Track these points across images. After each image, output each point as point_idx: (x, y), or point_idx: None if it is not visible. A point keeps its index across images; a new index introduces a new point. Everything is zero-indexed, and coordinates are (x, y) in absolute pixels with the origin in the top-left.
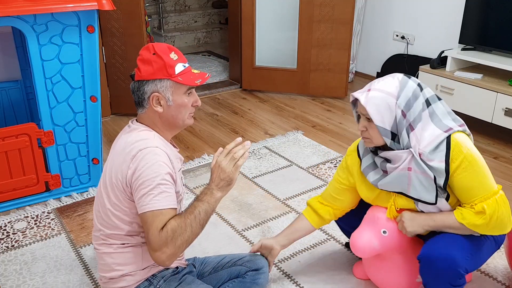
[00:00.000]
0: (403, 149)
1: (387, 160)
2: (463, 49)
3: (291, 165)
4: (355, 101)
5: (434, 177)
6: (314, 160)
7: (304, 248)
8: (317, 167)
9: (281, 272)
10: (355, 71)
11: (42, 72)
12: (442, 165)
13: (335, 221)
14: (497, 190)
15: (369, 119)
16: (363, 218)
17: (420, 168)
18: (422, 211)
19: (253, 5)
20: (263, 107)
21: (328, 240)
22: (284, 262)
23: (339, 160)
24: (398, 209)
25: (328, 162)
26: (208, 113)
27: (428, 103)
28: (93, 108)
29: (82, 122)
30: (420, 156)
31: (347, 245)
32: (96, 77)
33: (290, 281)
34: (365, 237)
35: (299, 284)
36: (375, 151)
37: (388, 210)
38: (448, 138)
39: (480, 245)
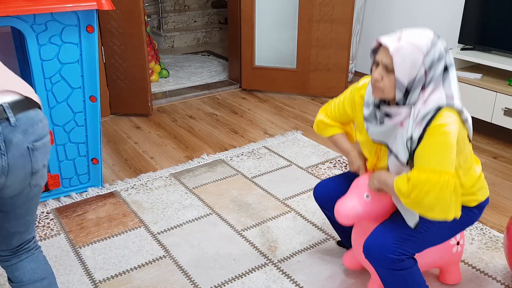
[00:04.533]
0: (407, 105)
1: (387, 115)
2: (462, 49)
3: (291, 165)
4: (377, 48)
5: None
6: (313, 160)
7: (304, 248)
8: (316, 167)
9: (281, 272)
10: (355, 71)
11: (41, 72)
12: (418, 134)
13: (329, 220)
14: (448, 172)
15: (387, 69)
16: (349, 189)
17: (408, 128)
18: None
19: (253, 5)
20: (262, 107)
21: (327, 240)
22: (284, 262)
23: (338, 160)
24: (378, 159)
25: (327, 162)
26: (208, 113)
27: (446, 68)
28: (92, 108)
29: (82, 122)
30: (416, 117)
31: (339, 243)
32: (95, 77)
33: (290, 281)
34: (349, 203)
35: (299, 283)
36: (378, 104)
37: (369, 159)
38: (439, 109)
39: (425, 227)
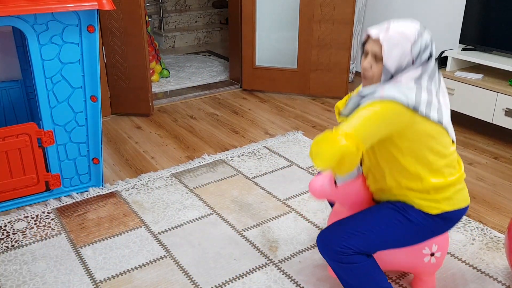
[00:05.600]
0: None
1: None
2: (463, 49)
3: (291, 165)
4: (367, 38)
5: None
6: None
7: (304, 248)
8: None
9: (281, 272)
10: (356, 71)
11: (42, 72)
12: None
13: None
14: (349, 134)
15: (376, 58)
16: None
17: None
18: None
19: (253, 5)
20: (263, 107)
21: None
22: (284, 262)
23: None
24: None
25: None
26: (208, 113)
27: (430, 57)
28: (93, 108)
29: (82, 122)
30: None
31: None
32: (96, 77)
33: (290, 281)
34: (319, 180)
35: (299, 284)
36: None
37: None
38: (386, 99)
39: (376, 224)
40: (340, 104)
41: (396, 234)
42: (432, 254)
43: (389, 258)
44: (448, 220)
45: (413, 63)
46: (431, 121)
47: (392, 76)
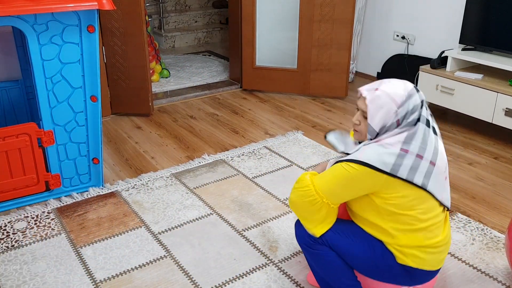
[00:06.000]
0: None
1: None
2: (463, 49)
3: (291, 165)
4: (360, 95)
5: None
6: (314, 160)
7: None
8: None
9: (281, 272)
10: (356, 71)
11: (42, 72)
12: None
13: None
14: (305, 181)
15: (364, 115)
16: None
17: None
18: None
19: (253, 5)
20: (263, 107)
21: None
22: (284, 262)
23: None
24: None
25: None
26: (208, 113)
27: (418, 120)
28: (93, 108)
29: (83, 122)
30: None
31: None
32: (96, 77)
33: (290, 281)
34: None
35: (299, 284)
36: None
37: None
38: (360, 160)
39: (350, 230)
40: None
41: (362, 252)
42: None
43: None
44: (412, 274)
45: (398, 125)
46: (414, 185)
47: (378, 134)
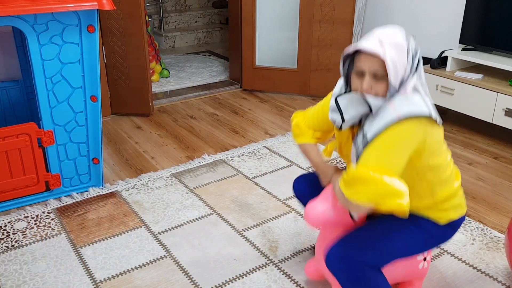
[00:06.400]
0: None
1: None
2: (463, 49)
3: (291, 165)
4: (353, 55)
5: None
6: None
7: (304, 248)
8: None
9: (281, 272)
10: None
11: (42, 72)
12: (369, 136)
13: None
14: (376, 167)
15: (377, 77)
16: (321, 192)
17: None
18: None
19: (254, 5)
20: (263, 107)
21: None
22: (284, 262)
23: (339, 160)
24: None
25: (328, 162)
26: (208, 113)
27: (419, 61)
28: (93, 108)
29: (82, 122)
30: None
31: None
32: (96, 77)
33: (290, 281)
34: (320, 206)
35: (299, 284)
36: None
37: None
38: (398, 119)
39: (389, 235)
40: (305, 117)
41: (408, 243)
42: (425, 259)
43: (388, 270)
44: (453, 227)
45: (410, 72)
46: (439, 125)
47: (396, 91)
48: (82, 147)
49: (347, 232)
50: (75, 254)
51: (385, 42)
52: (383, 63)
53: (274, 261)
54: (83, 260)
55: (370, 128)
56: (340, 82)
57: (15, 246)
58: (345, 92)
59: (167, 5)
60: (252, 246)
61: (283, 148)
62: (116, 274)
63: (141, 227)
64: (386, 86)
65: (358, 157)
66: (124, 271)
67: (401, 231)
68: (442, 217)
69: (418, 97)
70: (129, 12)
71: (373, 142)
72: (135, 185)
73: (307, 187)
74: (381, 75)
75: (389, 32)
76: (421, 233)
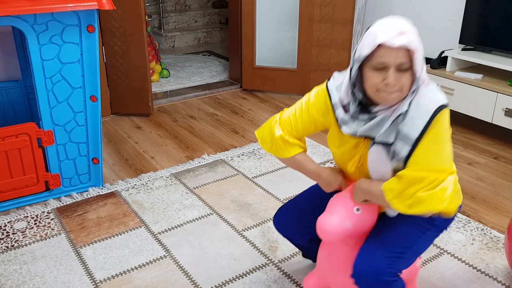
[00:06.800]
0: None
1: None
2: (463, 49)
3: None
4: (375, 50)
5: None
6: (314, 159)
7: None
8: None
9: (281, 272)
10: None
11: (42, 72)
12: (415, 134)
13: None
14: (447, 169)
15: (401, 69)
16: (328, 205)
17: (412, 112)
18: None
19: (253, 5)
20: (263, 107)
21: None
22: (284, 262)
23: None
24: (360, 164)
25: (328, 162)
26: (208, 113)
27: None
28: (93, 108)
29: (82, 122)
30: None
31: (304, 255)
32: (96, 77)
33: (290, 281)
34: (335, 218)
35: (299, 284)
36: (361, 109)
37: (351, 162)
38: (439, 109)
39: (413, 241)
40: (287, 126)
41: (427, 244)
42: (420, 256)
43: None
44: (455, 216)
45: (423, 58)
46: None
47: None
48: (82, 147)
49: (369, 242)
50: (75, 254)
51: (406, 32)
52: (408, 54)
53: (274, 261)
54: (83, 260)
55: (411, 127)
56: (336, 83)
57: (14, 246)
58: (359, 103)
59: (167, 5)
60: (252, 246)
61: None
62: (116, 274)
63: (141, 227)
64: (410, 78)
65: (397, 159)
66: (124, 271)
67: (421, 234)
68: (451, 207)
69: (434, 84)
70: (129, 12)
71: (424, 140)
72: (135, 185)
73: (291, 222)
74: (406, 67)
75: (402, 22)
76: (436, 231)
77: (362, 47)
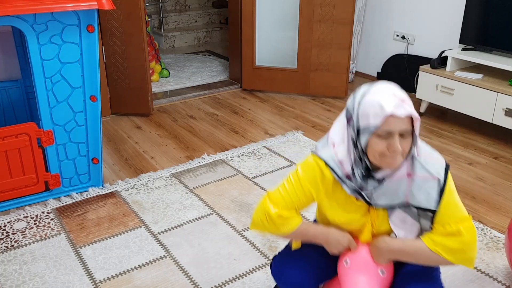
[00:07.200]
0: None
1: (383, 178)
2: (463, 49)
3: (291, 165)
4: (384, 121)
5: (438, 179)
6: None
7: None
8: None
9: None
10: (356, 71)
11: (42, 72)
12: (434, 195)
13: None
14: (469, 217)
15: (404, 136)
16: (348, 274)
17: (424, 171)
18: (395, 236)
19: (253, 5)
20: (263, 107)
21: None
22: None
23: None
24: (374, 233)
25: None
26: (208, 113)
27: None
28: (93, 108)
29: (82, 122)
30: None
31: None
32: (96, 77)
33: None
34: (362, 284)
35: None
36: (367, 175)
37: (363, 232)
38: (447, 168)
39: (437, 276)
40: (281, 202)
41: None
42: None
43: None
44: None
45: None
46: None
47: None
48: (82, 147)
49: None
50: (75, 254)
51: (405, 99)
52: (409, 121)
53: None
54: (83, 260)
55: (429, 189)
56: (330, 154)
57: (14, 246)
58: (367, 169)
59: (167, 5)
60: (252, 246)
61: (282, 148)
62: (116, 274)
63: (140, 227)
64: (409, 142)
65: (425, 218)
66: (123, 271)
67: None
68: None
69: (421, 141)
70: (129, 12)
71: (446, 194)
72: (134, 185)
73: (302, 273)
74: (407, 133)
75: (395, 88)
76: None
77: (368, 118)
